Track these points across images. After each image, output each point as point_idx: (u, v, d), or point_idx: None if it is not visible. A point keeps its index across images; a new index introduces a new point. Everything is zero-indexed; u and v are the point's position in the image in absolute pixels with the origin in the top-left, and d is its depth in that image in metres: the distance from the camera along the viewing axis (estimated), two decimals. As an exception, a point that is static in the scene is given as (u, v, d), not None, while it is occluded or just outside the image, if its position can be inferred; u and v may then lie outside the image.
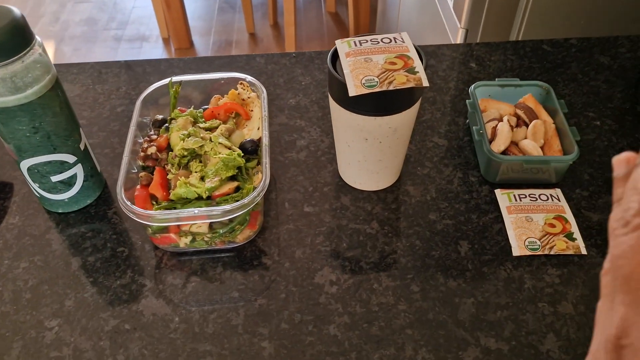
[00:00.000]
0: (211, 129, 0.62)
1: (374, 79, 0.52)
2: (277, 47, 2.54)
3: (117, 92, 0.77)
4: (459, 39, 1.03)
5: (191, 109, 0.64)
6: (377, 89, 0.51)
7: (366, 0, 2.42)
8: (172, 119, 0.63)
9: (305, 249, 0.58)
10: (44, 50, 0.52)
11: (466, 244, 0.58)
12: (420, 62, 0.53)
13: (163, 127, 0.62)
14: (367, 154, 0.58)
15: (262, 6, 2.76)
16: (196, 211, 0.52)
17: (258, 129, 0.62)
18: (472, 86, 0.68)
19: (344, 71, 0.53)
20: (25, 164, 0.56)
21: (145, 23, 2.65)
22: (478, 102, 0.66)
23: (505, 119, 0.64)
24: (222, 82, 0.66)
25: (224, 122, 0.63)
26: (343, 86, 0.52)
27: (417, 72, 0.52)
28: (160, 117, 0.64)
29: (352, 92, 0.51)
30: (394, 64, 0.53)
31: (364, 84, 0.51)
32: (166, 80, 0.65)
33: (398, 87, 0.51)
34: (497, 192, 0.62)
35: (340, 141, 0.60)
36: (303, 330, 0.51)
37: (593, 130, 0.69)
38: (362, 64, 0.53)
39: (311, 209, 0.62)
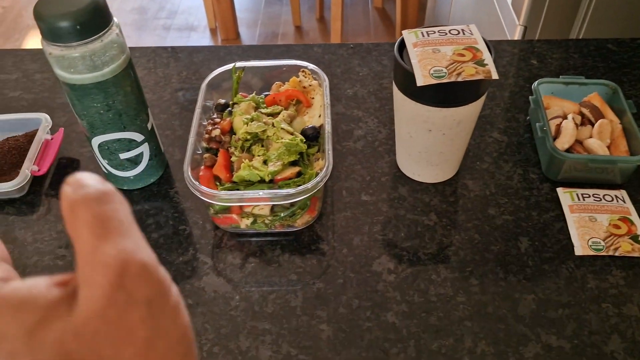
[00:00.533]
0: (273, 115, 0.62)
1: (442, 70, 0.52)
2: (322, 40, 2.54)
3: (178, 77, 0.79)
4: (517, 36, 1.01)
5: (253, 94, 0.65)
6: (445, 80, 0.51)
7: (414, -5, 2.40)
8: (234, 103, 0.65)
9: (362, 237, 0.58)
10: (120, 31, 0.53)
11: (526, 241, 0.57)
12: (489, 54, 0.53)
13: (226, 111, 0.63)
14: (429, 146, 0.58)
15: (308, 0, 2.77)
16: (261, 193, 0.53)
17: (319, 116, 0.62)
18: (536, 82, 0.67)
19: (412, 61, 0.53)
20: (96, 141, 0.58)
21: (194, 13, 2.69)
22: (542, 99, 0.65)
23: (569, 116, 0.63)
24: (284, 69, 0.67)
25: (285, 109, 0.64)
26: (410, 76, 0.52)
27: (487, 64, 0.52)
28: (222, 101, 0.66)
29: (420, 82, 0.51)
30: (463, 55, 0.53)
31: (432, 74, 0.51)
32: (229, 66, 0.66)
33: (467, 79, 0.51)
34: (559, 190, 0.61)
35: (402, 132, 0.60)
36: (361, 315, 0.52)
37: (660, 132, 0.67)
38: (430, 55, 0.53)
39: (368, 198, 0.62)
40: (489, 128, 0.69)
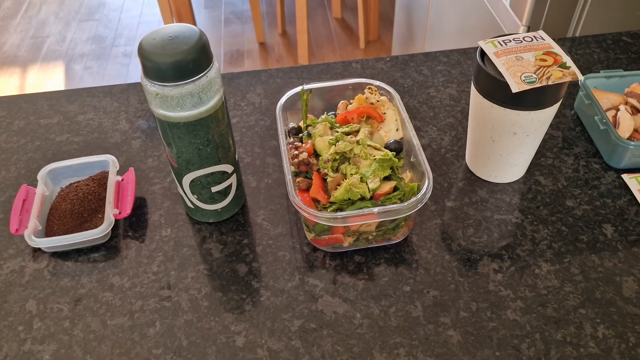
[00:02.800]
0: (351, 133, 0.64)
1: (532, 76, 0.55)
2: (289, 55, 2.56)
3: (228, 104, 0.79)
4: (522, 36, 1.07)
5: (325, 115, 0.67)
6: (537, 85, 0.54)
7: (375, 5, 2.46)
8: (308, 125, 0.66)
9: (459, 241, 0.61)
10: (218, 65, 0.54)
11: (610, 227, 0.61)
12: (568, 57, 0.57)
13: (305, 134, 0.64)
14: (512, 148, 0.61)
15: (268, 16, 2.79)
16: (375, 210, 0.54)
17: (397, 130, 0.64)
18: (582, 78, 0.71)
19: (500, 69, 0.56)
20: (189, 177, 0.58)
21: (154, 38, 2.65)
22: (592, 94, 0.69)
23: (622, 107, 0.68)
24: (350, 87, 0.68)
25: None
26: (498, 83, 0.55)
27: (570, 67, 0.56)
28: (295, 124, 0.66)
29: (515, 88, 0.54)
30: (545, 60, 0.56)
31: (524, 80, 0.55)
32: (296, 89, 0.67)
33: (556, 82, 0.54)
34: (625, 176, 0.66)
35: (483, 136, 0.62)
36: (483, 316, 0.54)
37: (694, 114, 0.74)
38: (515, 62, 0.56)
39: (453, 204, 0.64)
40: (543, 125, 0.73)
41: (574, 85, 0.78)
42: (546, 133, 0.72)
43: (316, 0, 2.89)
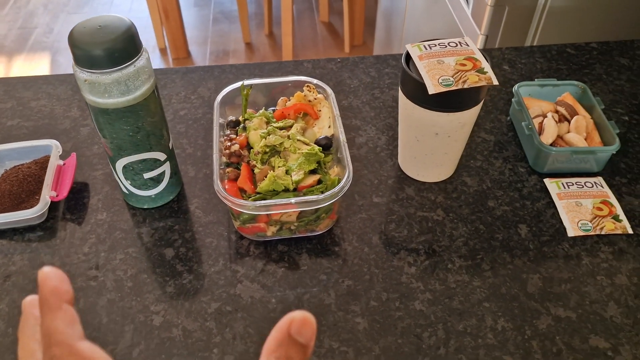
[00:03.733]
0: (285, 128, 0.67)
1: (449, 79, 0.58)
2: (273, 56, 2.59)
3: (177, 97, 0.82)
4: (479, 45, 1.10)
5: (263, 110, 0.69)
6: (453, 88, 0.57)
7: (361, 10, 2.50)
8: (245, 119, 0.68)
9: (380, 235, 0.63)
10: (148, 56, 0.56)
11: (525, 227, 0.64)
12: (487, 63, 0.60)
13: (240, 127, 0.67)
14: (436, 148, 0.64)
15: (256, 16, 2.82)
16: (293, 200, 0.57)
17: (329, 127, 0.67)
18: (516, 86, 0.74)
19: (421, 72, 0.59)
20: (121, 162, 0.60)
21: (141, 34, 2.67)
22: (523, 101, 0.72)
23: (549, 114, 0.71)
24: (290, 85, 0.71)
25: (294, 122, 0.68)
26: (419, 85, 0.58)
27: (487, 72, 0.59)
28: (233, 118, 0.69)
29: (432, 90, 0.57)
30: (464, 65, 0.59)
31: (441, 82, 0.57)
32: (237, 84, 0.70)
33: (472, 86, 0.57)
34: (546, 181, 0.69)
35: (409, 136, 0.65)
36: (391, 306, 0.57)
37: (623, 125, 0.77)
38: (435, 66, 0.59)
39: (379, 200, 0.67)
40: (477, 129, 0.76)
41: (510, 92, 0.81)
42: (479, 136, 0.75)
43: (304, 3, 2.93)
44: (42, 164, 0.68)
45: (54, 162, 0.67)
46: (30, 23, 2.72)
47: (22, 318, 0.28)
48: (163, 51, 2.60)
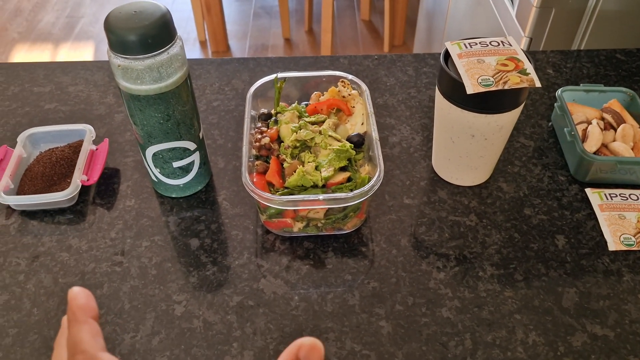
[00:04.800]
0: (317, 123, 0.65)
1: (489, 79, 0.55)
2: (312, 52, 2.58)
3: (211, 87, 0.81)
4: (523, 47, 1.06)
5: (295, 104, 0.68)
6: (493, 88, 0.55)
7: (403, 10, 2.47)
8: (277, 112, 0.67)
9: (409, 238, 0.61)
10: (182, 44, 0.56)
11: (562, 238, 0.61)
12: (530, 64, 0.57)
13: (272, 120, 0.66)
14: (471, 150, 0.61)
15: (296, 13, 2.82)
16: (321, 197, 0.55)
17: (362, 124, 0.66)
18: (559, 90, 0.71)
19: (460, 71, 0.56)
20: (151, 150, 0.60)
21: (183, 26, 2.71)
22: (566, 106, 0.69)
23: (594, 121, 0.67)
24: (324, 79, 0.70)
25: (327, 117, 0.67)
26: (457, 85, 0.56)
27: (529, 73, 0.56)
28: (265, 110, 0.68)
29: (470, 90, 0.55)
30: (506, 65, 0.57)
31: (480, 82, 0.55)
32: (271, 77, 0.69)
33: (512, 87, 0.55)
34: (588, 190, 0.65)
35: (444, 137, 0.63)
36: (417, 311, 0.55)
37: (673, 136, 0.72)
38: (475, 65, 0.57)
39: (410, 201, 0.65)
40: (516, 134, 0.73)
41: (553, 97, 0.78)
42: (518, 141, 0.72)
43: (346, 0, 2.91)
44: (75, 148, 0.69)
45: (86, 147, 0.67)
46: (77, 12, 2.79)
47: (60, 331, 0.31)
48: (203, 44, 2.62)
